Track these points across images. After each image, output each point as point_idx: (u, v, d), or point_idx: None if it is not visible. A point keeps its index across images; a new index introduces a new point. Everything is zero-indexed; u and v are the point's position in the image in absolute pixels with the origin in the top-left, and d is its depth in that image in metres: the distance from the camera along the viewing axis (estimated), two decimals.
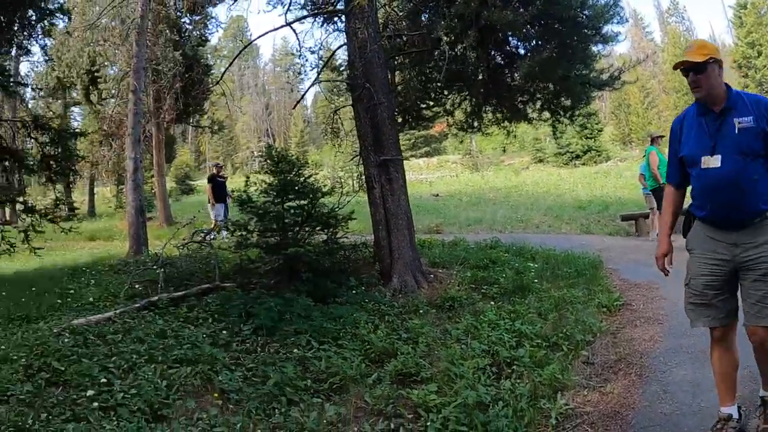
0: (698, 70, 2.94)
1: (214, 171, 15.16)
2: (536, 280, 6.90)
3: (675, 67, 3.09)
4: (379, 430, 3.52)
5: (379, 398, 3.87)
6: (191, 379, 4.09)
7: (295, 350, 4.79)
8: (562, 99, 8.48)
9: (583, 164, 38.55)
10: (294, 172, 6.63)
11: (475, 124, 9.08)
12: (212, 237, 12.58)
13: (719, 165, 2.92)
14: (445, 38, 7.25)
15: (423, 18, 8.33)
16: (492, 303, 6.07)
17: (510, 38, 7.96)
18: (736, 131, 2.89)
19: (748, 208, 2.92)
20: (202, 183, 32.29)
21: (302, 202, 6.61)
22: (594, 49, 8.12)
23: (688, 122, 3.13)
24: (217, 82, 9.46)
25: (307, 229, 6.73)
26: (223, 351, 4.68)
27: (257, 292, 6.07)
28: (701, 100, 3.01)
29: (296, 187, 6.56)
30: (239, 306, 5.65)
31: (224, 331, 5.16)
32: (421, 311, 5.95)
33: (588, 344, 4.91)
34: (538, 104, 8.71)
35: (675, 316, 5.59)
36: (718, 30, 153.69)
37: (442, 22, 7.14)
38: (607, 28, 7.90)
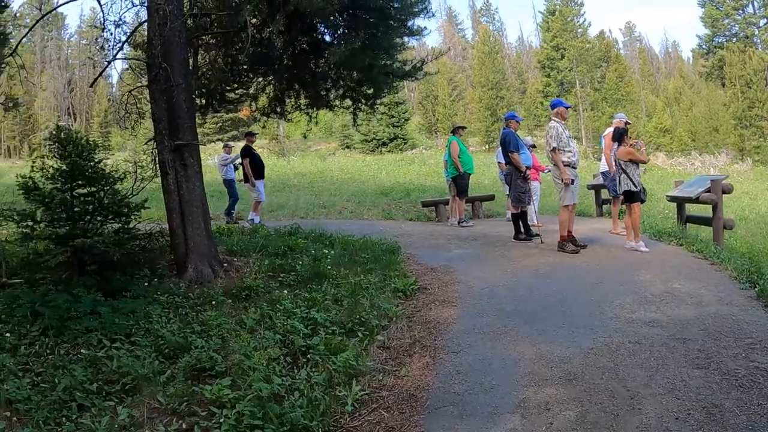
0: None
1: (248, 142, 12.32)
2: (333, 267, 6.81)
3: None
4: (173, 431, 3.35)
5: (172, 397, 3.67)
6: None
7: (84, 350, 4.38)
8: (365, 87, 8.57)
9: (389, 151, 39.84)
10: (83, 156, 5.95)
11: (278, 109, 8.96)
12: (253, 220, 11.43)
13: None
14: (252, 21, 7.03)
15: None
16: (287, 291, 5.93)
17: (318, 25, 7.94)
18: None
19: None
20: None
21: (92, 188, 6.00)
22: (399, 40, 8.28)
23: None
24: (12, 53, 8.03)
25: (99, 218, 6.09)
26: (9, 356, 4.15)
27: (45, 288, 5.43)
28: None
29: (86, 172, 5.91)
30: (26, 305, 5.03)
31: (9, 334, 4.54)
32: (215, 302, 5.65)
33: (383, 329, 4.93)
34: (341, 91, 8.73)
35: (469, 299, 5.83)
36: (527, 32, 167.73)
37: (249, 6, 6.90)
38: (414, 22, 8.13)
